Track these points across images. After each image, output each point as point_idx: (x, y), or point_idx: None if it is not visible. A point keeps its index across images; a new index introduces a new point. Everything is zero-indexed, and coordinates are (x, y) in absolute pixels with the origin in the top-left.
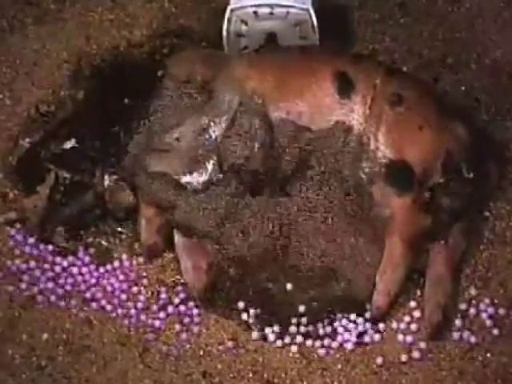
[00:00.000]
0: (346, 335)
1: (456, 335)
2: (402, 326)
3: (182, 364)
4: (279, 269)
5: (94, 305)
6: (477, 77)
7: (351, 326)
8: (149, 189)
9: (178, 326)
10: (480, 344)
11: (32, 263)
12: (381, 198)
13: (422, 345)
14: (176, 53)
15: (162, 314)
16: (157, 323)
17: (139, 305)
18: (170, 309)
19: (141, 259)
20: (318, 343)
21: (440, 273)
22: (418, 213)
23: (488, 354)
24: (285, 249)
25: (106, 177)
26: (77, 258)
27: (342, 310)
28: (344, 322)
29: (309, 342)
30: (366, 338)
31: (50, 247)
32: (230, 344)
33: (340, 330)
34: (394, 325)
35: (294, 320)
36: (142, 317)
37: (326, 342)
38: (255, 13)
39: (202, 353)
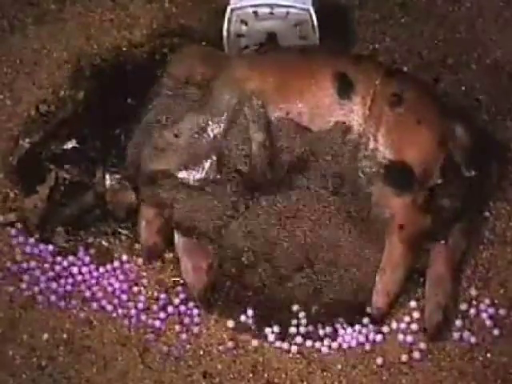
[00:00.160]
0: (346, 336)
1: (456, 335)
2: (402, 326)
3: (183, 364)
4: (279, 269)
5: (94, 305)
6: (477, 77)
7: (351, 326)
8: (149, 188)
9: (178, 327)
10: (480, 344)
11: (32, 263)
12: (380, 198)
13: (423, 345)
14: (176, 52)
15: (162, 315)
16: (157, 323)
17: (139, 305)
18: (170, 309)
19: (141, 259)
20: (318, 343)
21: (440, 273)
22: (418, 213)
23: (488, 355)
24: (284, 249)
25: (108, 177)
26: (77, 258)
27: (342, 311)
28: (344, 322)
29: (309, 343)
30: (366, 339)
31: (51, 247)
32: (230, 344)
33: (340, 330)
34: (394, 325)
35: (293, 321)
36: (143, 317)
37: (326, 342)
38: (255, 13)
39: (202, 353)
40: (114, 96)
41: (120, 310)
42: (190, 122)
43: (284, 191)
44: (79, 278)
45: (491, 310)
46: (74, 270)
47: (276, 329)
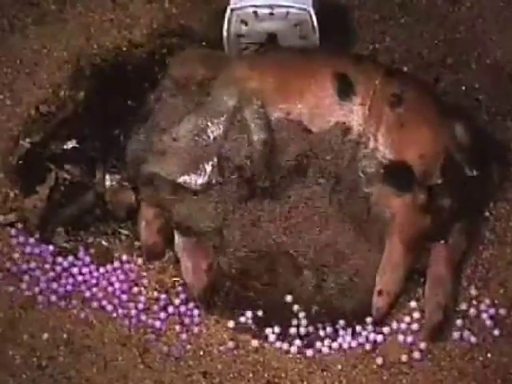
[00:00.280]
0: (346, 336)
1: (456, 335)
2: (403, 326)
3: (183, 364)
4: (279, 270)
5: (94, 305)
6: (477, 77)
7: (351, 326)
8: (149, 189)
9: (178, 327)
10: (480, 344)
11: (32, 263)
12: (380, 198)
13: (423, 345)
14: (176, 53)
15: (162, 315)
16: (157, 323)
17: (140, 305)
18: (171, 309)
19: (141, 260)
20: (318, 344)
21: (440, 273)
22: (418, 213)
23: (488, 355)
24: (284, 249)
25: (108, 177)
26: (77, 259)
27: (342, 312)
28: (344, 323)
29: (309, 343)
30: (367, 339)
31: (51, 247)
32: (230, 344)
33: (340, 331)
34: (395, 325)
35: (294, 321)
36: (143, 317)
37: (327, 342)
38: (255, 13)
39: (202, 353)
40: (114, 96)
41: (120, 310)
42: (190, 124)
43: (284, 192)
44: (79, 278)
45: (491, 310)
46: (74, 270)
47: (276, 329)
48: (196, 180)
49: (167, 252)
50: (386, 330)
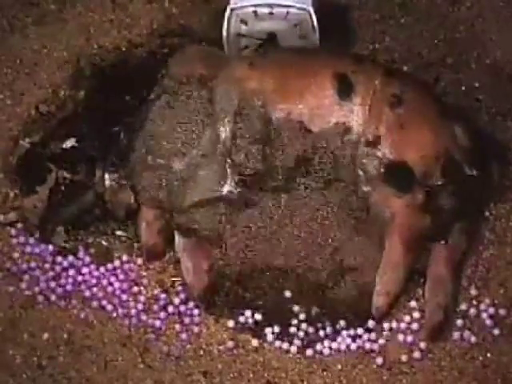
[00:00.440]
0: (347, 336)
1: (456, 335)
2: (403, 325)
3: (183, 364)
4: (279, 270)
5: (94, 305)
6: (477, 77)
7: (351, 327)
8: (148, 191)
9: (178, 326)
10: (480, 344)
11: (32, 263)
12: (380, 198)
13: (423, 345)
14: (176, 54)
15: (162, 314)
16: (157, 323)
17: (140, 305)
18: (171, 309)
19: (141, 259)
20: (318, 344)
21: (440, 273)
22: (418, 213)
23: (488, 354)
24: (284, 250)
25: (107, 176)
26: (77, 258)
27: (342, 312)
28: (344, 323)
29: (309, 343)
30: (367, 339)
31: (51, 247)
32: (230, 344)
33: (340, 331)
34: (395, 325)
35: (294, 321)
36: (143, 317)
37: (327, 342)
38: (255, 13)
39: (202, 353)
40: (113, 96)
41: (120, 310)
42: (192, 126)
43: (284, 192)
44: (79, 277)
45: (491, 310)
46: (74, 269)
47: (276, 329)
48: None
49: (167, 252)
50: (386, 329)
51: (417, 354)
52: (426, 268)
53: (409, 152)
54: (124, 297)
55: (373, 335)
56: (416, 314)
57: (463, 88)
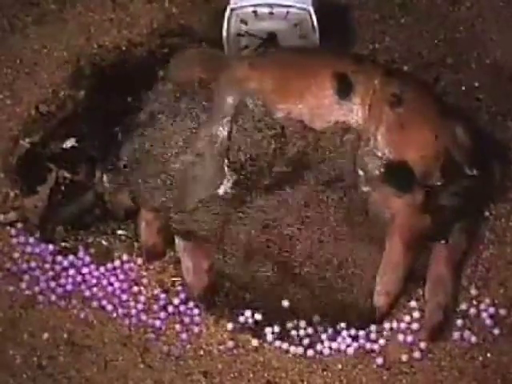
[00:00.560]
0: (347, 337)
1: (456, 335)
2: (403, 325)
3: (183, 364)
4: (278, 270)
5: (94, 305)
6: (477, 77)
7: (352, 327)
8: (146, 194)
9: (178, 326)
10: (480, 344)
11: (32, 263)
12: (380, 198)
13: (423, 345)
14: (176, 53)
15: (162, 314)
16: (157, 323)
17: (140, 305)
18: (171, 309)
19: (141, 259)
20: (318, 344)
21: (441, 273)
22: (418, 213)
23: (488, 354)
24: (284, 250)
25: (105, 177)
26: (77, 258)
27: (342, 312)
28: (345, 324)
29: (309, 343)
30: (367, 339)
31: (51, 247)
32: (230, 344)
33: (340, 331)
34: (395, 325)
35: (294, 322)
36: (143, 317)
37: (327, 342)
38: (255, 12)
39: (202, 353)
40: (114, 96)
41: (120, 310)
42: (193, 127)
43: (284, 191)
44: (79, 277)
45: (491, 310)
46: (74, 269)
47: (276, 329)
48: (224, 187)
49: (167, 252)
50: (386, 329)
51: (417, 354)
52: (426, 268)
53: (409, 152)
54: (124, 297)
55: (373, 335)
56: (416, 314)
57: (463, 88)
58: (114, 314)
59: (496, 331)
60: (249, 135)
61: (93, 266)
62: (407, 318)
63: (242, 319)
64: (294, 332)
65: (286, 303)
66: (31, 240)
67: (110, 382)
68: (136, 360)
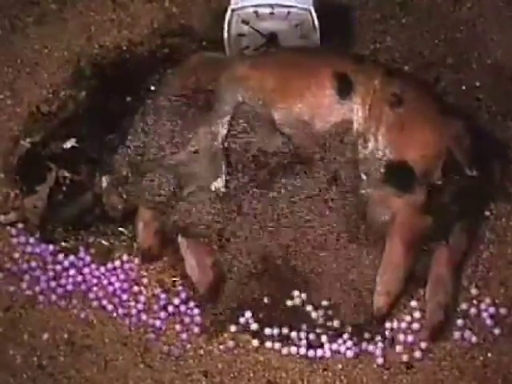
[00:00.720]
0: (347, 339)
1: (457, 335)
2: (403, 325)
3: (183, 364)
4: (279, 271)
5: (94, 304)
6: (478, 76)
7: (352, 328)
8: (145, 193)
9: (178, 326)
10: (481, 344)
11: (33, 263)
12: (381, 198)
13: (423, 344)
14: (176, 54)
15: (162, 314)
16: (157, 323)
17: (140, 305)
18: (171, 309)
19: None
20: (319, 346)
21: (441, 273)
22: (419, 213)
23: (489, 354)
24: (284, 250)
25: (104, 178)
26: (77, 258)
27: (343, 313)
28: (345, 325)
29: (310, 344)
30: (367, 339)
31: (51, 247)
32: (230, 344)
33: (341, 333)
34: (395, 324)
35: (294, 322)
36: (143, 316)
37: (327, 343)
38: (256, 13)
39: (202, 352)
40: (114, 96)
41: (120, 310)
42: (195, 128)
43: (284, 191)
44: (80, 277)
45: (492, 310)
46: (75, 269)
47: (276, 330)
48: (222, 183)
49: (166, 253)
50: (386, 329)
51: (417, 354)
52: (426, 268)
53: (409, 151)
54: (124, 296)
55: (373, 335)
56: (416, 314)
57: (464, 87)
58: (115, 314)
59: (496, 331)
60: (248, 134)
61: (93, 266)
62: (408, 318)
63: (242, 320)
64: (294, 333)
65: (286, 303)
66: (31, 240)
67: (110, 382)
68: (136, 360)
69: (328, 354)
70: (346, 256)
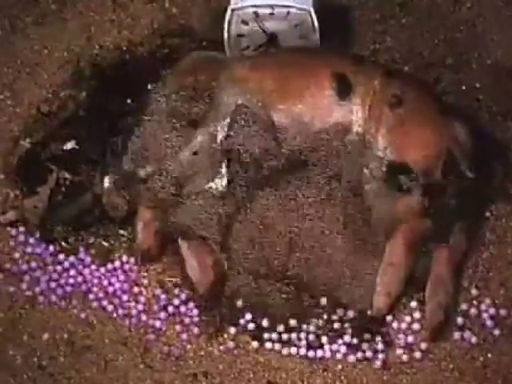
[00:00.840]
0: (347, 340)
1: (457, 335)
2: (403, 326)
3: (183, 364)
4: (279, 271)
5: (94, 305)
6: (478, 77)
7: (352, 329)
8: (145, 193)
9: (178, 327)
10: (481, 344)
11: (33, 264)
12: (382, 200)
13: (423, 345)
14: (176, 54)
15: (162, 315)
16: (157, 323)
17: (140, 305)
18: (171, 309)
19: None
20: (319, 345)
21: (441, 273)
22: (419, 214)
23: (489, 355)
24: (284, 251)
25: (106, 179)
26: (78, 259)
27: (342, 314)
28: (345, 325)
29: (310, 344)
30: (367, 340)
31: (51, 248)
32: (230, 344)
33: (341, 334)
34: (395, 325)
35: (294, 323)
36: (143, 317)
37: (327, 344)
38: (256, 13)
39: (202, 353)
40: (114, 97)
41: (120, 310)
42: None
43: (282, 192)
44: (80, 278)
45: (492, 310)
46: (75, 270)
47: (277, 332)
48: (220, 183)
49: (166, 253)
50: (386, 330)
51: (417, 354)
52: (427, 269)
53: (409, 152)
54: (124, 297)
55: (373, 336)
56: (417, 314)
57: (464, 88)
58: (115, 315)
59: (496, 332)
60: (248, 135)
61: (93, 267)
62: (408, 318)
63: (242, 321)
64: (294, 334)
65: (286, 303)
66: (32, 240)
67: (110, 383)
68: (136, 360)
69: (328, 354)
70: (347, 256)
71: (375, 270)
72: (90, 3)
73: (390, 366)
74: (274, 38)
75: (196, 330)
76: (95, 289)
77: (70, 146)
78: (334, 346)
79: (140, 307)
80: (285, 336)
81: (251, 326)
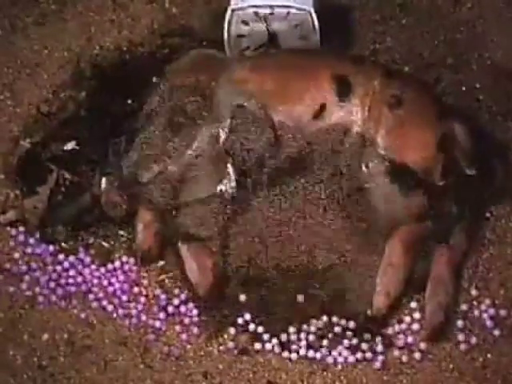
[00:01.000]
0: (348, 340)
1: (457, 336)
2: (403, 326)
3: (183, 364)
4: (279, 272)
5: (94, 305)
6: (478, 77)
7: (353, 329)
8: (146, 195)
9: (178, 327)
10: (481, 345)
11: (33, 264)
12: (382, 200)
13: (423, 345)
14: (176, 54)
15: (162, 315)
16: (157, 323)
17: (140, 305)
18: (171, 309)
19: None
20: (318, 345)
21: (441, 273)
22: (419, 214)
23: (489, 355)
24: (284, 251)
25: (104, 180)
26: (77, 259)
27: (342, 314)
28: (345, 326)
29: (310, 345)
30: (367, 340)
31: (51, 248)
32: (230, 344)
33: (341, 334)
34: (395, 325)
35: (294, 324)
36: (143, 317)
37: (327, 345)
38: (256, 13)
39: (202, 353)
40: (114, 97)
41: (120, 310)
42: (189, 129)
43: (283, 193)
44: (80, 278)
45: (492, 311)
46: (75, 270)
47: (277, 333)
48: (229, 185)
49: (166, 254)
50: (386, 330)
51: (417, 355)
52: (427, 269)
53: (409, 153)
54: (124, 297)
55: (373, 336)
56: (416, 315)
57: (464, 88)
58: (115, 315)
59: (496, 332)
60: (248, 136)
61: (93, 267)
62: (407, 319)
63: (241, 321)
64: (294, 335)
65: (286, 304)
66: (31, 241)
67: (110, 382)
68: (136, 360)
69: (328, 354)
70: (348, 257)
71: (376, 268)
72: (90, 3)
73: (389, 366)
74: (274, 38)
75: (196, 330)
76: (95, 289)
77: (70, 146)
78: (334, 347)
79: (140, 307)
80: (285, 336)
81: (251, 325)
